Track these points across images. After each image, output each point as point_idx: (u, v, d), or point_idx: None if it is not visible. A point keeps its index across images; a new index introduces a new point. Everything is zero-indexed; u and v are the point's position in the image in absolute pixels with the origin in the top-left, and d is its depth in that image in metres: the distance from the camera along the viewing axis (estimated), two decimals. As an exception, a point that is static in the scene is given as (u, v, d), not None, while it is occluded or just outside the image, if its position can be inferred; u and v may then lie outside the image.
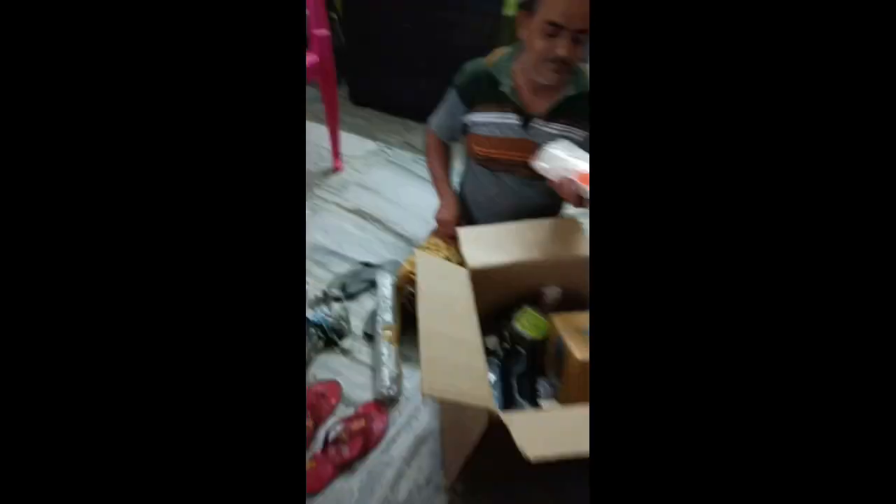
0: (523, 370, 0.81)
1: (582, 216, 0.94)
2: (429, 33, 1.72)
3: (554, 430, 0.57)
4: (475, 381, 0.62)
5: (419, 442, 0.93)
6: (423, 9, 1.67)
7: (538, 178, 0.97)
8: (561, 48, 0.82)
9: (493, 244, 0.87)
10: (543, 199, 1.07)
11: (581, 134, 0.99)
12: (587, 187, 0.77)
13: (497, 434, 0.63)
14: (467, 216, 1.15)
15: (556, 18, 0.79)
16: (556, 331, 0.81)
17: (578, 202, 0.82)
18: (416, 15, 1.70)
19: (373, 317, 1.10)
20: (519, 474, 0.83)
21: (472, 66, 0.99)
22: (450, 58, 1.20)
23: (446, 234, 1.07)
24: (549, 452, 0.52)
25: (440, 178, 1.11)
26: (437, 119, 1.08)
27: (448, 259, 1.05)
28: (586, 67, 0.97)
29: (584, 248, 0.87)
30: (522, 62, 0.93)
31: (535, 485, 0.86)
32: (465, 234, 0.89)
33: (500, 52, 0.98)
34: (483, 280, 0.84)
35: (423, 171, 1.68)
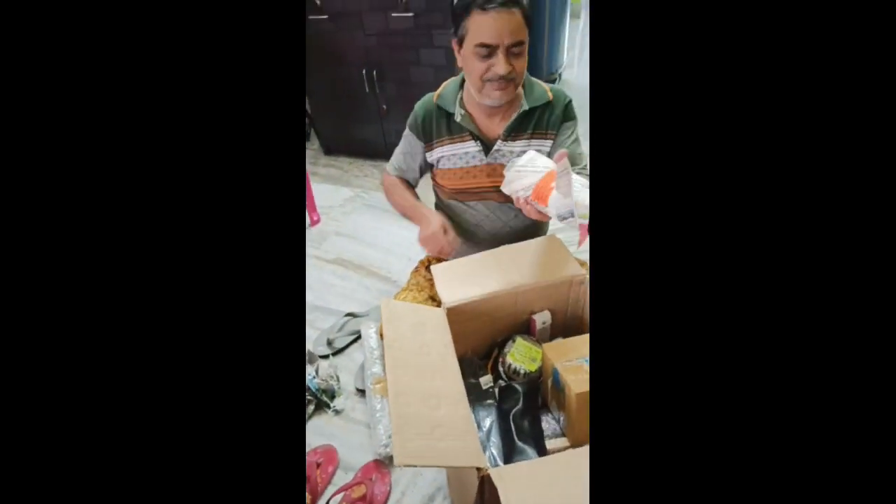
0: (521, 408, 0.74)
1: (567, 230, 0.89)
2: (387, 74, 1.74)
3: (551, 483, 0.51)
4: (458, 437, 0.56)
5: (427, 501, 0.86)
6: (381, 50, 1.69)
7: (504, 199, 0.94)
8: (497, 66, 0.81)
9: (470, 276, 0.82)
10: (524, 220, 1.03)
11: (545, 145, 0.97)
12: (543, 205, 0.72)
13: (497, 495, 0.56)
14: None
15: (485, 40, 0.78)
16: (550, 362, 0.75)
17: (541, 218, 0.78)
18: (373, 59, 1.72)
19: (362, 371, 1.05)
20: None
21: (421, 103, 0.98)
22: (409, 96, 1.20)
23: (438, 253, 0.97)
24: None
25: (410, 205, 1.03)
26: (394, 161, 1.05)
27: (433, 298, 1.01)
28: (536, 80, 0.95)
29: (569, 265, 0.82)
30: (469, 89, 0.91)
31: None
32: (438, 270, 0.85)
33: (446, 84, 0.97)
34: (463, 317, 0.79)
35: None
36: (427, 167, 1.03)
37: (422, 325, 0.71)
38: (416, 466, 0.55)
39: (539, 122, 0.94)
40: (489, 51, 0.80)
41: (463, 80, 0.94)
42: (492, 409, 0.77)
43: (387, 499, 0.86)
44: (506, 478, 0.51)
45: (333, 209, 1.72)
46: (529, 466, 0.54)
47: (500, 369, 0.84)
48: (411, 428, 0.54)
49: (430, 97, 0.97)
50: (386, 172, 1.07)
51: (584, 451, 0.55)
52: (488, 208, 1.02)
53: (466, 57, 0.83)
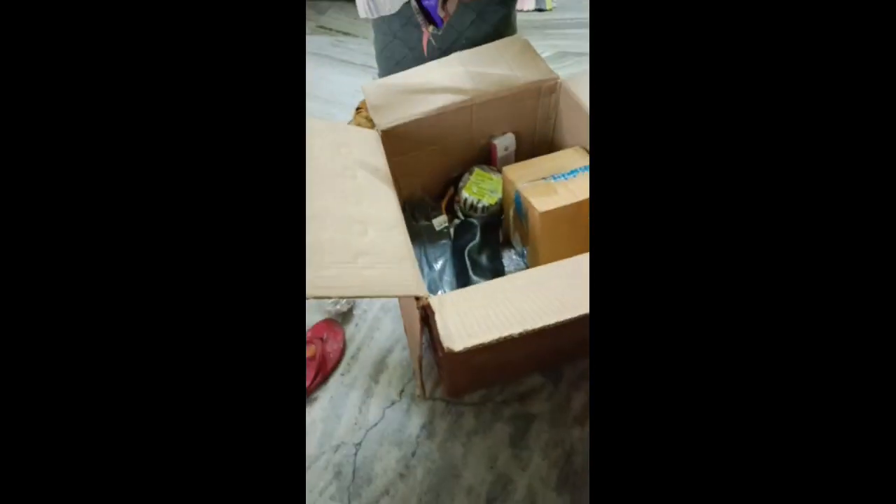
0: (477, 243, 0.63)
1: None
2: None
3: (495, 307, 0.40)
4: (390, 265, 0.44)
5: (385, 354, 0.80)
6: None
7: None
8: None
9: (412, 93, 0.65)
10: (484, 27, 0.82)
11: None
12: None
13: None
14: None
15: None
16: (511, 185, 0.62)
17: None
18: None
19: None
20: (505, 369, 0.70)
21: None
22: None
23: None
24: (479, 339, 0.35)
25: None
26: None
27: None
28: None
29: (536, 68, 0.64)
30: None
31: (528, 376, 0.73)
32: (371, 89, 0.67)
33: None
34: (406, 145, 0.63)
35: (344, 53, 1.39)
36: None
37: (345, 145, 0.55)
38: (328, 299, 0.43)
39: None
40: None
41: None
42: (446, 248, 0.66)
43: (341, 356, 0.80)
44: (447, 303, 0.41)
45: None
46: (474, 290, 0.43)
47: (456, 207, 0.71)
48: (326, 255, 0.41)
49: None
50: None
51: (541, 269, 0.44)
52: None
53: None
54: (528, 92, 0.64)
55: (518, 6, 0.89)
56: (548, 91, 0.65)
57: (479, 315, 0.38)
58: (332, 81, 1.32)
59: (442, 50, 0.83)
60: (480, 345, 0.35)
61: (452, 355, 0.37)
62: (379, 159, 0.57)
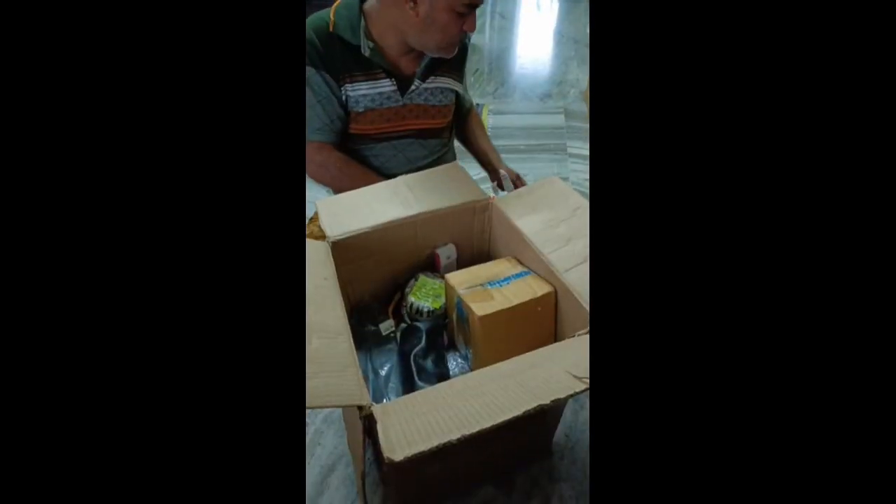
0: (423, 347, 0.66)
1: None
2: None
3: (438, 412, 0.41)
4: (334, 373, 0.45)
5: (326, 472, 0.74)
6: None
7: (424, 136, 0.85)
8: (470, 24, 0.76)
9: (362, 208, 0.71)
10: (434, 157, 0.95)
11: (458, 85, 0.93)
12: None
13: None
14: None
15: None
16: (453, 291, 0.67)
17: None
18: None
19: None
20: (455, 480, 0.67)
21: (312, 27, 0.79)
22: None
23: None
24: (422, 446, 0.36)
25: (369, 179, 0.85)
26: (311, 123, 0.83)
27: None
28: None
29: (470, 191, 0.74)
30: (392, 19, 0.78)
31: (480, 485, 0.71)
32: (324, 204, 0.73)
33: (335, 7, 0.82)
34: (354, 254, 0.68)
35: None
36: (344, 107, 0.85)
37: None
38: None
39: (447, 62, 0.87)
40: (472, 9, 0.75)
41: (360, 4, 0.81)
42: (392, 354, 0.67)
43: (279, 476, 0.73)
44: (389, 412, 0.42)
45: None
46: (418, 396, 0.45)
47: (403, 311, 0.74)
48: (268, 366, 0.42)
49: (321, 21, 0.81)
50: (309, 143, 0.84)
51: (478, 373, 0.47)
52: (396, 148, 0.91)
53: (438, 11, 0.73)
54: (465, 210, 0.73)
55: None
56: (481, 209, 0.74)
57: (421, 423, 0.39)
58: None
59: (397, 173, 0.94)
60: (420, 453, 0.35)
61: (398, 468, 0.36)
62: (328, 269, 0.60)
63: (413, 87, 0.86)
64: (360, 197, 0.73)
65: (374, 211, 0.70)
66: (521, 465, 0.73)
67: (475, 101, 1.06)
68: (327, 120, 0.84)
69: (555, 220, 0.66)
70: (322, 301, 0.53)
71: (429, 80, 0.87)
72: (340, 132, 0.86)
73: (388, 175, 0.93)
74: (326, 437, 0.78)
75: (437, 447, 0.35)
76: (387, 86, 0.84)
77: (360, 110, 0.84)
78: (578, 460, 0.75)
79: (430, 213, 0.71)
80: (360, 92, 0.83)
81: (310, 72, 0.81)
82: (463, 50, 0.91)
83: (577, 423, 0.79)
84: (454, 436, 0.36)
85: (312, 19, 0.81)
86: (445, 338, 0.72)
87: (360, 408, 0.43)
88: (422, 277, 0.75)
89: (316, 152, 0.85)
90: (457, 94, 0.95)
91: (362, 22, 0.80)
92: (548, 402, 0.39)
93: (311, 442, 0.78)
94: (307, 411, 0.81)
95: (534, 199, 0.71)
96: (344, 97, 0.83)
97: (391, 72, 0.83)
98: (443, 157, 0.98)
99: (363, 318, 0.73)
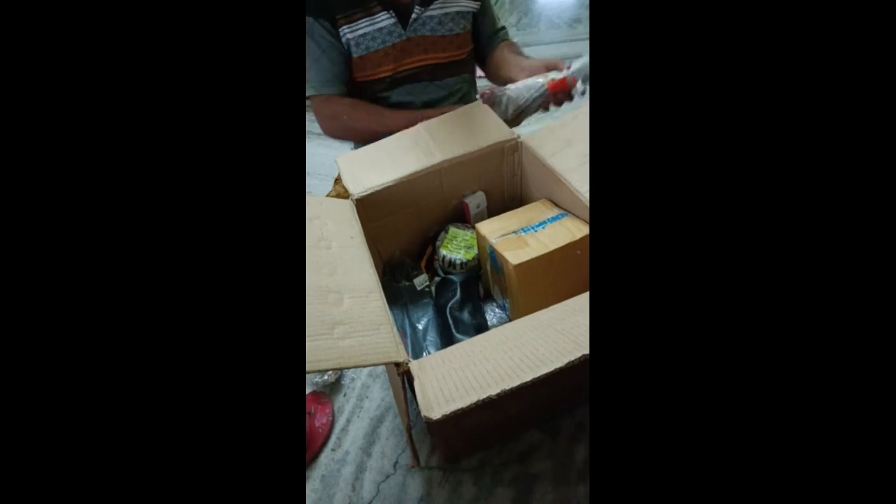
0: (459, 300, 0.64)
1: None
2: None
3: (476, 367, 0.40)
4: (367, 332, 0.44)
5: (376, 423, 0.77)
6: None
7: (439, 75, 0.78)
8: None
9: (383, 161, 0.68)
10: (457, 96, 0.87)
11: (472, 4, 0.80)
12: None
13: None
14: None
15: None
16: (485, 241, 0.64)
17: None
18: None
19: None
20: (498, 428, 0.68)
21: None
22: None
23: None
24: (457, 405, 0.35)
25: (380, 114, 0.80)
26: (315, 76, 0.78)
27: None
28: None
29: (498, 131, 0.69)
30: None
31: (524, 433, 0.71)
32: (344, 160, 0.70)
33: None
34: (380, 211, 0.66)
35: (314, 125, 1.47)
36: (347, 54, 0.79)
37: (317, 217, 0.57)
38: (317, 372, 0.42)
39: None
40: None
41: None
42: (428, 308, 0.66)
43: (330, 430, 0.76)
44: (426, 368, 0.41)
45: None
46: (455, 350, 0.43)
47: (436, 265, 0.72)
48: (313, 329, 0.41)
49: None
50: (312, 97, 0.79)
51: (515, 324, 0.45)
52: (410, 93, 0.85)
53: None
54: (492, 153, 0.68)
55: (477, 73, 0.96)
56: (510, 150, 0.69)
57: (459, 378, 0.38)
58: (310, 154, 1.37)
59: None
60: (458, 410, 0.34)
61: (439, 422, 0.36)
62: (354, 227, 0.58)
63: (415, 16, 0.76)
64: (380, 150, 0.70)
65: (395, 163, 0.67)
66: (565, 409, 0.72)
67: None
68: (334, 70, 0.79)
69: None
70: (350, 260, 0.52)
71: (434, 6, 0.77)
72: (348, 81, 0.81)
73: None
74: (373, 391, 0.81)
75: (475, 403, 0.34)
76: (385, 19, 0.75)
77: (363, 53, 0.78)
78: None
79: (455, 159, 0.67)
80: (359, 32, 0.76)
81: (308, 21, 0.75)
82: None
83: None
84: (493, 391, 0.35)
85: None
86: (481, 289, 0.70)
87: (398, 364, 0.43)
88: (451, 229, 0.72)
89: (324, 105, 0.81)
90: (474, 16, 0.83)
91: None
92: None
93: (358, 395, 0.81)
94: (351, 369, 0.83)
95: (567, 132, 0.64)
96: (345, 42, 0.77)
97: (388, 2, 0.75)
98: (466, 95, 0.90)
99: (397, 275, 0.71)
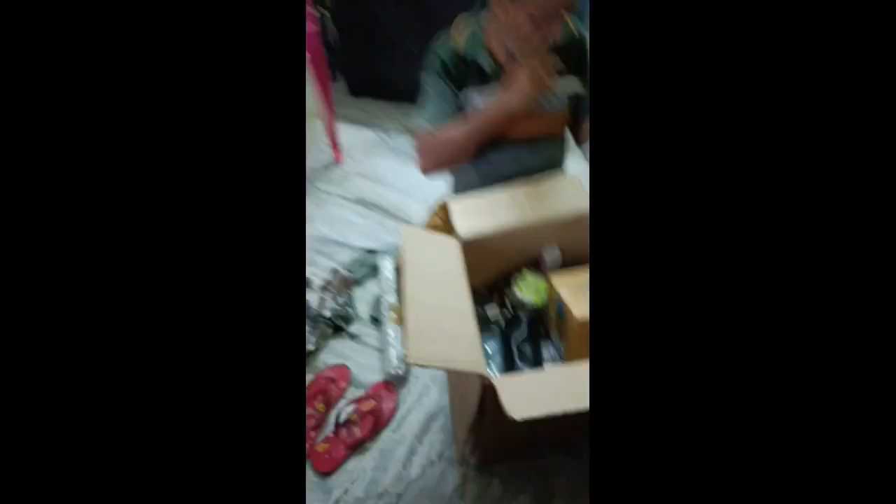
0: (524, 336, 0.79)
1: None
2: (416, 14, 1.69)
3: (545, 389, 0.55)
4: (466, 348, 0.60)
5: (430, 419, 0.93)
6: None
7: (535, 144, 0.93)
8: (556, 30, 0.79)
9: (486, 211, 0.85)
10: (544, 163, 1.02)
11: (576, 86, 0.94)
12: None
13: (498, 403, 0.61)
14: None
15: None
16: (555, 291, 0.78)
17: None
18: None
19: (378, 301, 1.10)
20: (532, 444, 0.81)
21: (442, 48, 0.90)
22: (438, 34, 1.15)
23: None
24: (536, 412, 0.49)
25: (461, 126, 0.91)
26: (430, 111, 0.92)
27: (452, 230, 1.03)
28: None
29: (582, 203, 0.84)
30: (495, 32, 0.87)
31: (552, 453, 0.84)
32: (456, 205, 0.87)
33: (463, 27, 0.92)
34: (477, 250, 0.82)
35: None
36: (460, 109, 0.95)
37: (437, 250, 0.75)
38: (425, 367, 0.59)
39: (566, 60, 0.90)
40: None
41: (480, 23, 0.90)
42: (496, 337, 0.81)
43: (393, 414, 0.93)
44: (506, 384, 0.56)
45: (356, 150, 1.74)
46: (528, 376, 0.58)
47: (507, 301, 0.87)
48: (424, 334, 0.58)
49: (449, 43, 0.90)
50: (422, 127, 0.93)
51: (581, 365, 0.59)
52: (508, 154, 1.00)
53: (519, 18, 0.78)
54: (573, 221, 0.83)
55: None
56: (588, 220, 0.83)
57: (531, 393, 0.53)
58: (408, 177, 1.57)
59: (509, 177, 1.02)
60: (539, 417, 0.49)
61: (496, 426, 0.50)
62: (459, 264, 0.75)
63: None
64: (485, 202, 0.87)
65: (495, 216, 0.83)
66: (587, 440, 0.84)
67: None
68: (440, 112, 0.91)
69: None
70: (456, 289, 0.69)
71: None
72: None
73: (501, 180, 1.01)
74: (432, 392, 0.97)
75: (555, 415, 0.49)
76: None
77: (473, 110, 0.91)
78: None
79: (543, 220, 0.83)
80: (477, 96, 0.90)
81: (434, 77, 0.90)
82: (579, 49, 0.91)
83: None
84: (569, 406, 0.49)
85: (443, 43, 0.90)
86: (542, 330, 0.84)
87: (481, 376, 0.58)
88: (526, 273, 0.87)
89: (422, 137, 0.93)
90: (578, 96, 0.97)
91: (482, 38, 0.88)
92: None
93: (420, 393, 0.97)
94: (421, 368, 0.98)
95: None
96: (462, 100, 0.92)
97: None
98: (552, 158, 1.03)
99: (475, 302, 0.87)
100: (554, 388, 0.54)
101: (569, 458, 0.83)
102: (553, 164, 1.05)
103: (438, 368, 0.57)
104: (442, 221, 1.07)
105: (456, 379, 0.83)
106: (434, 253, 0.74)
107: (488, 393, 0.58)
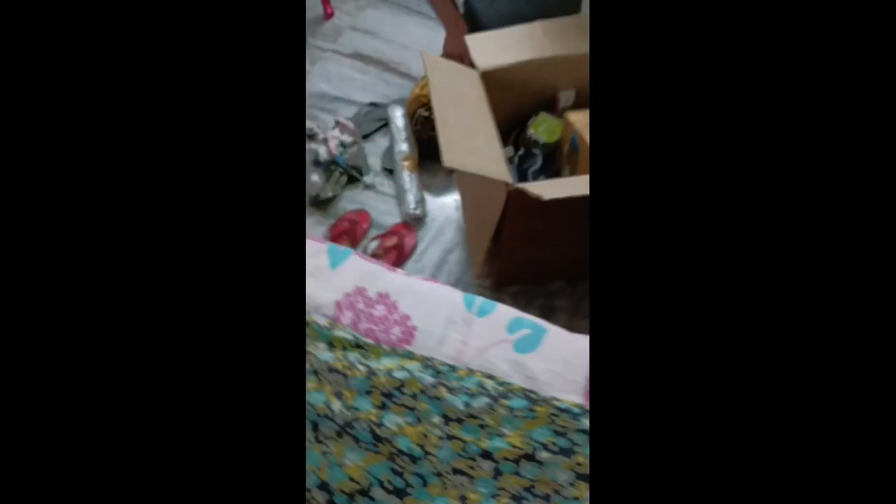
0: (538, 167, 0.85)
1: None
2: None
3: (565, 186, 0.63)
4: (492, 162, 0.66)
5: (447, 252, 1.03)
6: None
7: None
8: None
9: (504, 46, 0.85)
10: (562, 3, 0.99)
11: None
12: None
13: (516, 221, 0.69)
14: None
15: None
16: (570, 127, 0.83)
17: None
18: None
19: (390, 151, 1.13)
20: (539, 271, 0.93)
21: None
22: None
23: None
24: (561, 195, 0.58)
25: (441, 3, 0.99)
26: None
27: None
28: None
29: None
30: None
31: (554, 280, 0.97)
32: (474, 40, 0.86)
33: None
34: (495, 83, 0.84)
35: (419, 4, 1.55)
36: None
37: (458, 78, 0.76)
38: (459, 171, 0.65)
39: None
40: None
41: None
42: (512, 170, 0.88)
43: (413, 250, 1.03)
44: (528, 186, 0.63)
45: (346, 3, 1.59)
46: (545, 182, 0.66)
47: (521, 142, 0.92)
48: (455, 146, 0.63)
49: None
50: None
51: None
52: None
53: None
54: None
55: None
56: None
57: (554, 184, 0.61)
58: (408, 31, 1.48)
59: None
60: (563, 198, 0.57)
61: (513, 241, 0.58)
62: (480, 91, 0.77)
63: None
64: (505, 37, 0.86)
65: (515, 50, 0.83)
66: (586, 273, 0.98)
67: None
68: None
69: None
70: (479, 112, 0.73)
71: None
72: None
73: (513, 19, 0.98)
74: (447, 231, 1.06)
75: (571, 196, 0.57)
76: None
77: None
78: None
79: (559, 58, 0.84)
80: None
81: None
82: None
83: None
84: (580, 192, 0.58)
85: None
86: (554, 165, 0.90)
87: (507, 183, 0.65)
88: (542, 115, 0.91)
89: None
90: None
91: None
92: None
93: (437, 232, 1.06)
94: (435, 212, 1.07)
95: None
96: None
97: None
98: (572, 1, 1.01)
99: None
100: (574, 184, 0.62)
101: (568, 285, 0.97)
102: (571, 4, 1.02)
103: (471, 174, 0.63)
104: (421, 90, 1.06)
105: (476, 196, 0.90)
106: (457, 81, 0.76)
107: (514, 207, 0.66)
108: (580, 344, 0.63)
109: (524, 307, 0.95)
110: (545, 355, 0.60)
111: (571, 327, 0.96)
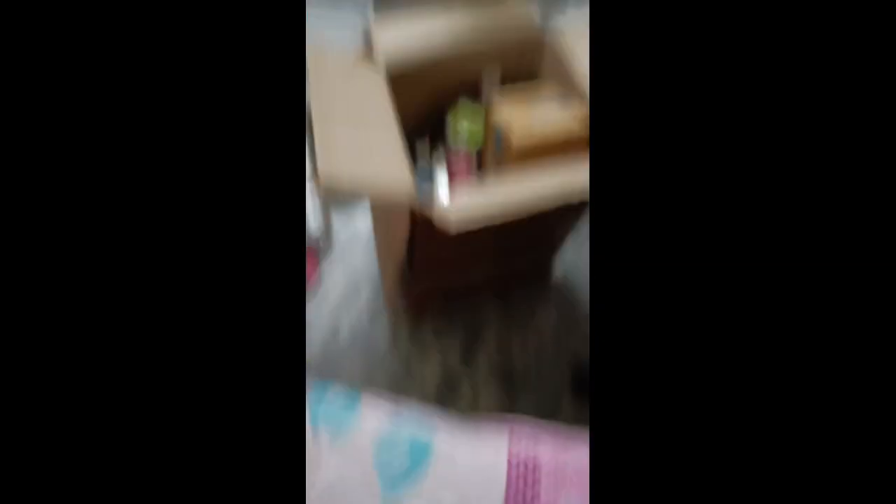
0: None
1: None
2: None
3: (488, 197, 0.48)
4: (392, 169, 0.49)
5: (355, 284, 0.86)
6: None
7: None
8: None
9: (415, 35, 0.67)
10: None
11: None
12: None
13: (427, 238, 0.53)
14: None
15: None
16: (493, 119, 0.68)
17: None
18: None
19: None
20: (469, 291, 0.79)
21: None
22: None
23: None
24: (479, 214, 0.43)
25: None
26: None
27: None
28: None
29: (528, 18, 0.69)
30: None
31: (482, 295, 0.83)
32: (381, 29, 0.68)
33: None
34: (405, 81, 0.66)
35: None
36: None
37: (354, 81, 0.58)
38: (340, 190, 0.47)
39: None
40: None
41: None
42: (426, 182, 0.71)
43: (313, 281, 0.85)
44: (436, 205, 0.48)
45: None
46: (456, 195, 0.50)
47: (440, 140, 0.76)
48: (338, 152, 0.46)
49: None
50: None
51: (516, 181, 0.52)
52: None
53: None
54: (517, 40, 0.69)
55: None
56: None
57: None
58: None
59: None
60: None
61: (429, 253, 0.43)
62: (383, 95, 0.60)
63: None
64: (416, 24, 0.69)
65: (427, 38, 0.67)
66: (520, 286, 0.85)
67: None
68: None
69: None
70: (378, 119, 0.55)
71: None
72: None
73: None
74: (355, 257, 0.89)
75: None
76: None
77: None
78: (573, 290, 0.87)
79: (485, 41, 0.68)
80: None
81: None
82: None
83: (578, 262, 0.90)
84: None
85: None
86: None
87: (412, 205, 0.49)
88: (463, 104, 0.75)
89: None
90: None
91: None
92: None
93: (341, 260, 0.89)
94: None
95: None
96: None
97: None
98: None
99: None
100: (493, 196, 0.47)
101: (501, 302, 0.84)
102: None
103: (358, 193, 0.46)
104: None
105: (381, 221, 0.74)
106: (351, 83, 0.58)
107: (422, 229, 0.50)
108: (492, 455, 0.38)
109: (447, 325, 0.81)
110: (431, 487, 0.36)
111: (504, 341, 0.82)
